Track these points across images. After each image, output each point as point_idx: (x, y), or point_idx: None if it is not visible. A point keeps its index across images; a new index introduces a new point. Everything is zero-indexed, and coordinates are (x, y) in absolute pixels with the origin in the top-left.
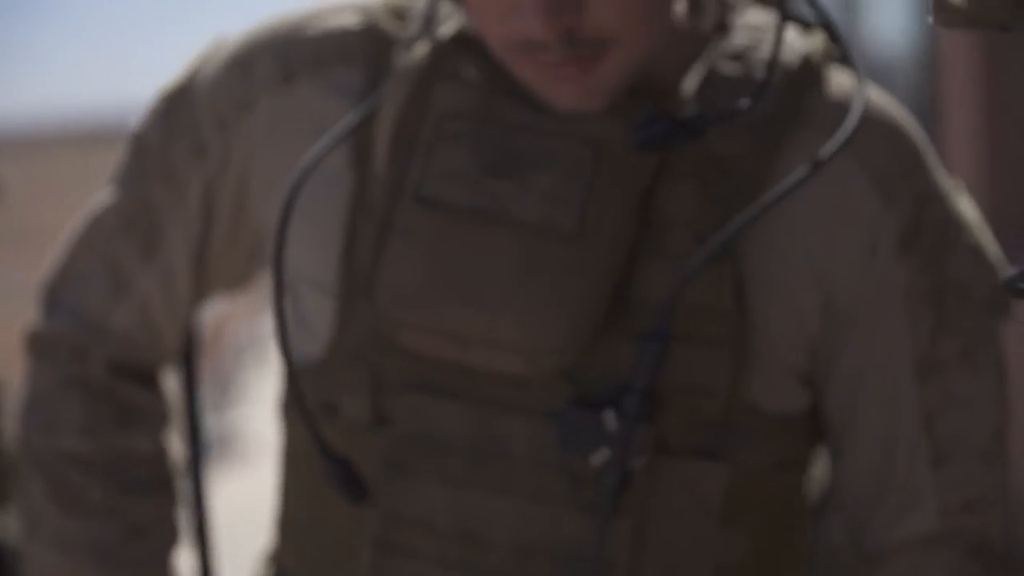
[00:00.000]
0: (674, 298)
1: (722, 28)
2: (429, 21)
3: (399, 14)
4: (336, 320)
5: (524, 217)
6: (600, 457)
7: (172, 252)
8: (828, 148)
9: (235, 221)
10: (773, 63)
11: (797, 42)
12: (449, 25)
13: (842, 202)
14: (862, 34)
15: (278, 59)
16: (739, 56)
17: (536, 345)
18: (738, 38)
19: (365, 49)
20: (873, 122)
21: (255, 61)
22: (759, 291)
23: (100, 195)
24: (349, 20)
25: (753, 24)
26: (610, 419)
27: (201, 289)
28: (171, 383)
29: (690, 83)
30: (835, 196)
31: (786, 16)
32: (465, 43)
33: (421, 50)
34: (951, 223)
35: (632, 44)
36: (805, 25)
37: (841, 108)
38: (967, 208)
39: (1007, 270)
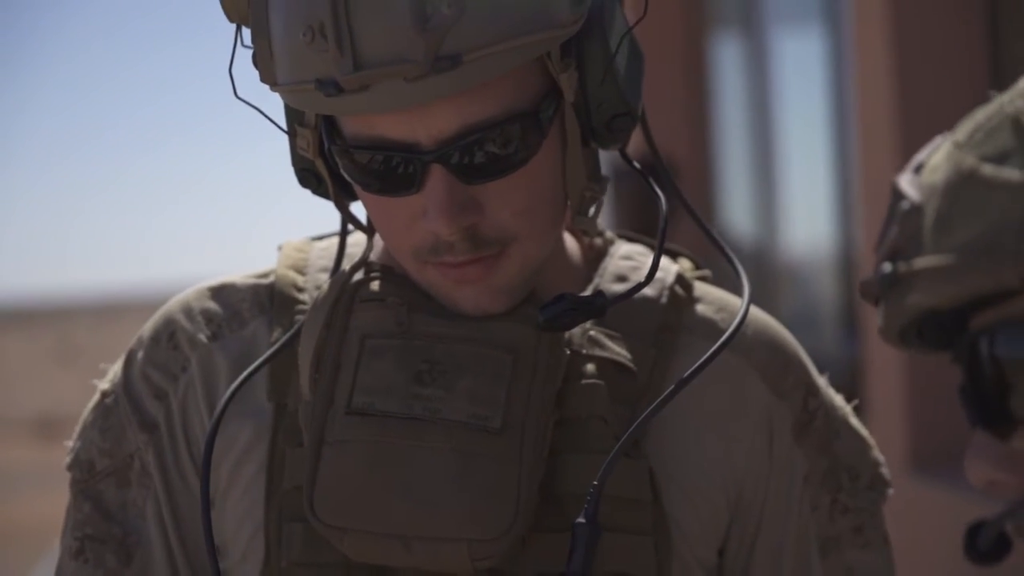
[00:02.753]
0: (602, 484)
1: (603, 254)
2: (337, 263)
3: (299, 269)
4: (264, 550)
5: (455, 417)
6: None
7: (148, 548)
8: (719, 343)
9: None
10: (657, 261)
11: (670, 265)
12: (357, 259)
13: (738, 399)
14: (780, 240)
15: (203, 320)
16: (623, 278)
17: (479, 535)
18: (619, 264)
19: (273, 301)
20: (751, 324)
21: (177, 330)
22: (670, 489)
23: (60, 559)
24: (257, 281)
25: (626, 253)
26: None
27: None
28: None
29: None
30: (731, 394)
31: (663, 242)
32: (373, 270)
33: (334, 283)
34: (831, 410)
35: (529, 243)
36: (672, 253)
37: (718, 315)
38: (837, 397)
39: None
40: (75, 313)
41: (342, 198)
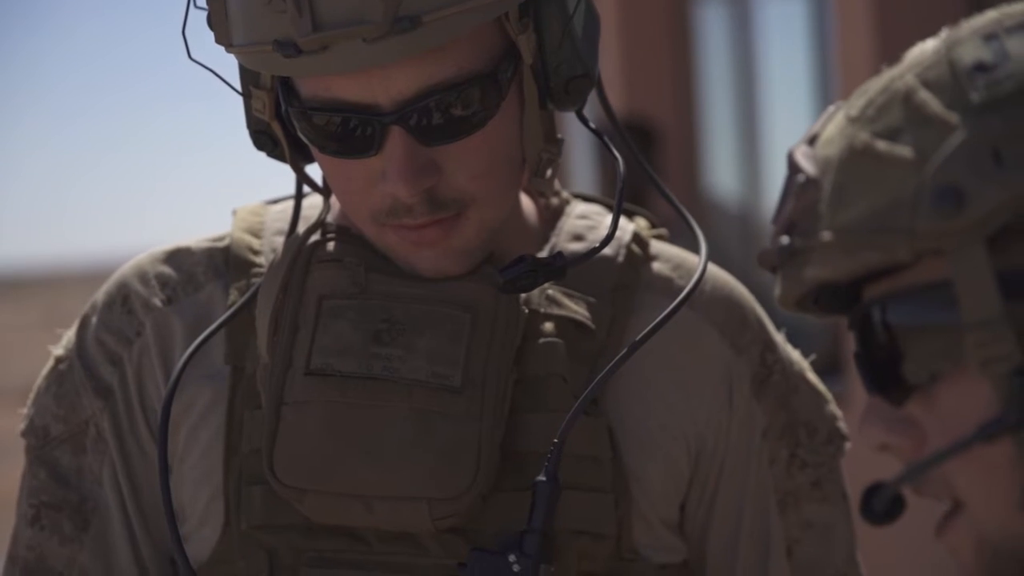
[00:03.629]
0: (563, 440)
1: (559, 214)
2: (293, 225)
3: (254, 232)
4: (224, 514)
5: (414, 376)
6: None
7: (105, 515)
8: (677, 301)
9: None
10: (616, 219)
11: (626, 224)
12: (313, 221)
13: (697, 355)
14: (765, 203)
15: (157, 285)
16: (580, 237)
17: (439, 494)
18: (575, 223)
19: (228, 264)
20: (708, 281)
21: (131, 294)
22: (631, 446)
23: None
24: (212, 244)
25: (582, 212)
26: (514, 560)
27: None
28: None
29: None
30: (689, 350)
31: (622, 199)
32: (330, 232)
33: (289, 244)
34: (788, 365)
35: (487, 205)
36: (629, 212)
37: (675, 272)
38: (795, 353)
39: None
40: (65, 281)
41: (298, 161)
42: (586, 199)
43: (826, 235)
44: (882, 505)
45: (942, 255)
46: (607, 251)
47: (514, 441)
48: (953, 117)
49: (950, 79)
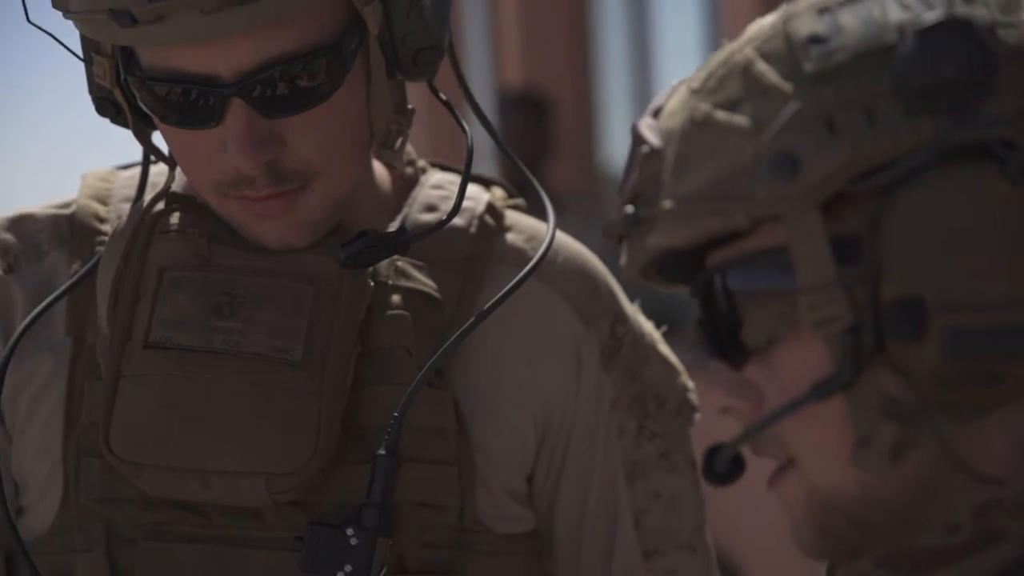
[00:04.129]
0: (403, 414)
1: (413, 184)
2: (139, 194)
3: (101, 199)
4: (63, 486)
5: (254, 350)
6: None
7: None
8: (522, 274)
9: None
10: (463, 190)
11: (481, 194)
12: (158, 189)
13: (545, 327)
14: None
15: None
16: (433, 207)
17: (277, 469)
18: (429, 193)
19: (73, 232)
20: (560, 252)
21: None
22: (476, 418)
23: None
24: (57, 211)
25: (437, 182)
26: (352, 534)
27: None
28: None
29: (392, 228)
30: (538, 322)
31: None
32: (174, 201)
33: (132, 214)
34: (639, 337)
35: (332, 178)
36: (485, 182)
37: (528, 244)
38: (647, 324)
39: None
40: None
41: (141, 128)
42: (444, 168)
43: (668, 203)
44: (723, 466)
45: (779, 221)
46: (460, 222)
47: (357, 414)
48: (788, 87)
49: (786, 51)
